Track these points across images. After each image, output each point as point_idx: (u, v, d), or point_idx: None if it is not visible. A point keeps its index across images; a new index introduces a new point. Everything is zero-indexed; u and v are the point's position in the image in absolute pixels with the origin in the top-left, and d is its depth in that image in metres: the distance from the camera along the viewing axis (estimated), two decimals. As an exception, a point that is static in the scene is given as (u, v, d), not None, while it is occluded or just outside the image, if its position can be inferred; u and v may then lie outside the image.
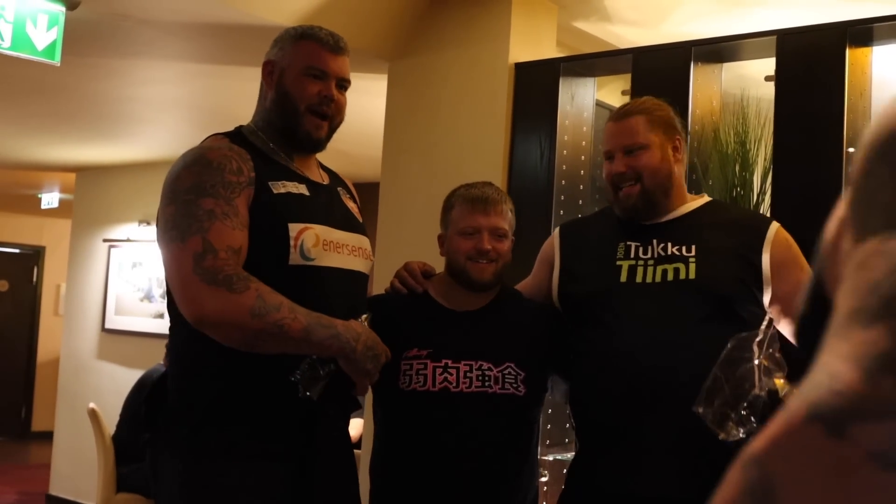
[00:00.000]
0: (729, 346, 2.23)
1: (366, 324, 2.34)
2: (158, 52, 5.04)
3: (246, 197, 2.29)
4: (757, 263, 2.52)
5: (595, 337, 2.59)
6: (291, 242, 2.30)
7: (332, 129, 2.51)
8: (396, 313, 2.66)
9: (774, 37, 3.81)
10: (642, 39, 4.96)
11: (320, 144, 2.50)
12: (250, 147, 2.41)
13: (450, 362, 2.55)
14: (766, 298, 2.53)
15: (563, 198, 4.37)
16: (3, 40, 3.89)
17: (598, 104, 4.60)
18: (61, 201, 10.76)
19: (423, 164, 4.79)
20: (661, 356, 2.47)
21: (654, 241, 2.59)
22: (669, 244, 2.57)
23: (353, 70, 5.22)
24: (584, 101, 4.49)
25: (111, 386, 7.84)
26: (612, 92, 5.01)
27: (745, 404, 2.16)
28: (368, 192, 5.48)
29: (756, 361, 2.19)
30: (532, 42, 4.65)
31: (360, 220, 2.61)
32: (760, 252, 2.53)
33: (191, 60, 5.26)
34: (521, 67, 4.53)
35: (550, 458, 4.12)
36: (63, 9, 4.06)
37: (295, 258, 2.30)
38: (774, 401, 2.16)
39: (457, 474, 2.54)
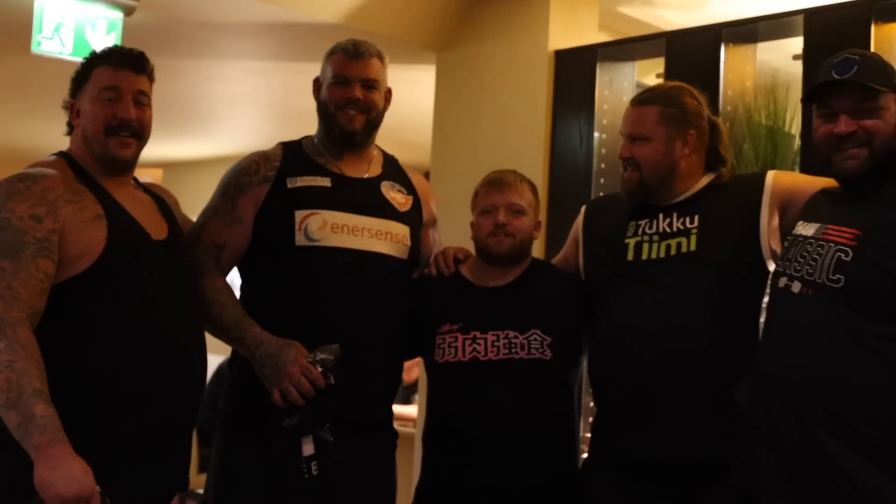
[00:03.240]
0: None
1: (318, 355, 2.55)
2: (218, 51, 5.30)
3: (254, 194, 2.72)
4: (755, 221, 2.57)
5: (604, 315, 2.70)
6: (296, 226, 2.65)
7: (370, 123, 2.79)
8: (433, 293, 2.85)
9: (802, 15, 3.86)
10: (687, 22, 5.01)
11: (355, 135, 2.76)
12: (296, 150, 2.81)
13: (478, 334, 2.70)
14: (771, 264, 2.56)
15: (602, 180, 4.48)
16: (64, 46, 4.16)
17: (640, 87, 4.68)
18: (152, 196, 11.21)
19: (469, 151, 4.95)
20: (663, 334, 2.55)
21: (661, 216, 2.68)
22: (675, 215, 2.66)
23: (402, 62, 5.45)
24: (623, 85, 4.59)
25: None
26: (651, 75, 5.09)
27: None
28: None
29: None
30: (573, 28, 4.77)
31: (405, 210, 2.83)
32: (759, 207, 2.58)
33: (250, 58, 5.51)
34: (560, 54, 4.67)
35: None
36: (121, 14, 4.32)
37: (300, 240, 2.65)
38: None
39: (492, 438, 2.67)
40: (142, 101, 2.51)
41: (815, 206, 2.43)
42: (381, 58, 2.79)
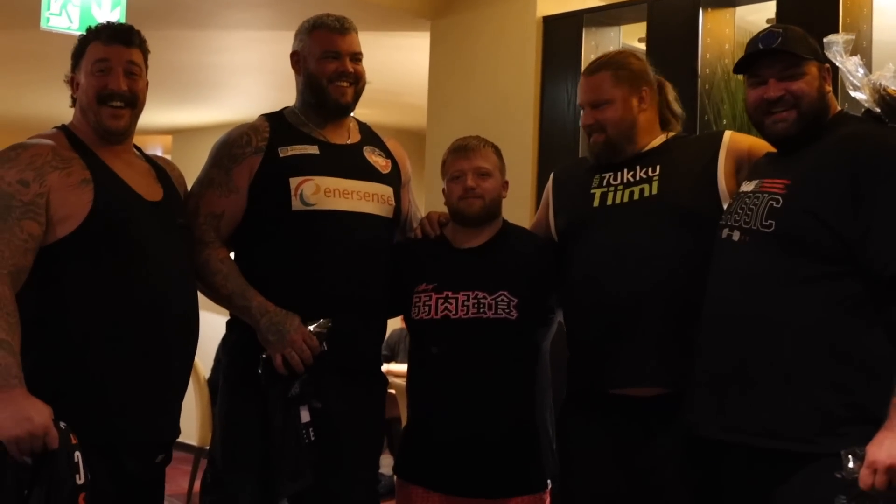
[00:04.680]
0: None
1: (314, 328, 2.79)
2: (221, 22, 5.49)
3: (248, 164, 2.91)
4: (713, 170, 2.78)
5: (573, 261, 2.90)
6: (292, 192, 2.85)
7: (358, 93, 3.02)
8: (414, 254, 3.07)
9: (775, -19, 4.03)
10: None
11: (349, 107, 3.01)
12: (281, 121, 2.99)
13: (450, 293, 2.90)
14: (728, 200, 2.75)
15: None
16: (71, 22, 4.37)
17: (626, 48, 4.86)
18: (162, 161, 11.50)
19: (463, 114, 5.17)
20: (627, 273, 2.75)
21: (625, 170, 2.88)
22: (638, 167, 2.86)
23: (398, 30, 5.62)
24: (608, 49, 4.74)
25: (208, 333, 8.22)
26: (634, 40, 5.25)
27: None
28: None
29: None
30: (560, -6, 4.96)
31: (387, 173, 3.06)
32: (717, 158, 2.79)
33: (252, 28, 5.69)
34: (548, 20, 4.88)
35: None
36: (125, -11, 4.52)
37: (296, 205, 2.86)
38: None
39: (460, 390, 2.88)
40: (133, 71, 2.69)
41: (756, 167, 2.65)
42: (357, 32, 2.99)
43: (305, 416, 2.76)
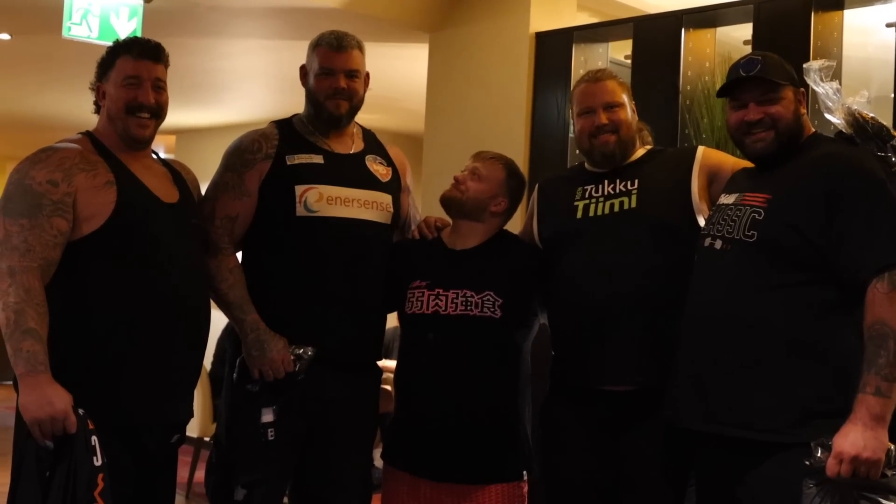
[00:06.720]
0: None
1: (297, 350, 2.98)
2: (228, 31, 5.75)
3: (259, 169, 3.07)
4: (687, 185, 2.99)
5: (558, 267, 3.09)
6: (297, 199, 3.04)
7: (354, 107, 3.18)
8: (412, 253, 3.26)
9: (752, 5, 4.28)
10: (666, 4, 5.42)
11: (341, 120, 3.17)
12: (289, 129, 3.17)
13: (441, 290, 3.06)
14: (702, 219, 2.95)
15: (577, 151, 4.91)
16: (91, 31, 4.63)
17: (614, 63, 5.13)
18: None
19: (459, 122, 5.45)
20: (607, 279, 2.95)
21: (605, 182, 3.08)
22: (617, 180, 3.06)
23: (399, 41, 5.88)
24: (597, 64, 5.02)
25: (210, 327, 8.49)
26: (621, 56, 5.51)
27: None
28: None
29: None
30: (552, 12, 5.23)
31: (387, 181, 3.24)
32: (690, 173, 3.00)
33: (257, 37, 5.97)
34: (540, 36, 5.15)
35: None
36: (141, 1, 4.79)
37: (300, 211, 3.04)
38: None
39: (446, 381, 3.06)
40: (159, 85, 2.87)
41: (734, 181, 2.86)
42: (360, 48, 3.14)
43: (268, 416, 2.94)
